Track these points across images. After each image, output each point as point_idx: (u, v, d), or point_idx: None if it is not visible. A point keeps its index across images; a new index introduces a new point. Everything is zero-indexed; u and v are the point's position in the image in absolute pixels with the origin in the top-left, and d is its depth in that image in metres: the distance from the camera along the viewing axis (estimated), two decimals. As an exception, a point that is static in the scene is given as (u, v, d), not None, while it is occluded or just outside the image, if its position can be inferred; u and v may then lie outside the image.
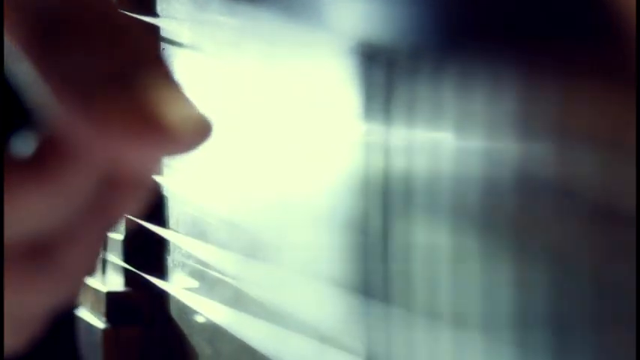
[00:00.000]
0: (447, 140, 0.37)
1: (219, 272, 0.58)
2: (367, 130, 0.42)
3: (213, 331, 0.59)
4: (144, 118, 0.24)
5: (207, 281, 0.60)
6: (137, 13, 0.63)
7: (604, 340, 0.31)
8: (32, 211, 0.26)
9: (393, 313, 0.41)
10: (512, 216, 0.34)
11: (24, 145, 0.26)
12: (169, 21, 0.62)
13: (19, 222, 0.26)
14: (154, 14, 0.63)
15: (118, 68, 0.24)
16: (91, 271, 0.29)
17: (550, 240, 0.32)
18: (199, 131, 0.25)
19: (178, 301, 0.64)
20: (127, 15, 0.26)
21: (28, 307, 0.27)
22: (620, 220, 0.30)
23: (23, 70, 0.24)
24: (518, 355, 0.34)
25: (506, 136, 0.34)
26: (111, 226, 0.29)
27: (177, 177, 0.62)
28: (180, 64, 0.60)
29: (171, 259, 0.66)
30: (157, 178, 0.54)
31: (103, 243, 0.29)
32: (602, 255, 0.31)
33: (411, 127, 0.39)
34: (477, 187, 0.35)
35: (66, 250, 0.27)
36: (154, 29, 0.61)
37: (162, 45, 0.62)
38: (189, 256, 0.63)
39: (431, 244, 0.38)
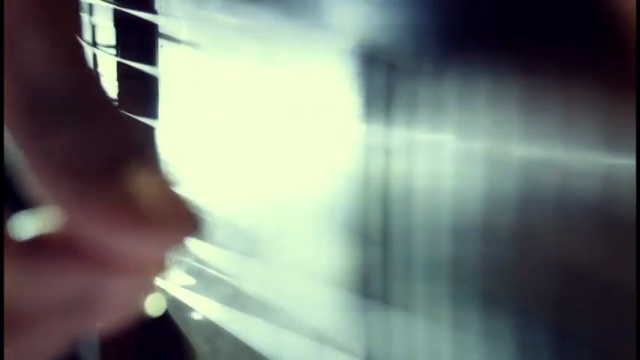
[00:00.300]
0: (448, 142, 0.37)
1: (216, 270, 0.58)
2: (367, 132, 0.42)
3: (211, 329, 0.59)
4: (133, 207, 0.24)
5: (205, 279, 0.60)
6: (136, 10, 0.63)
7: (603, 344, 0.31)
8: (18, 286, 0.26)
9: (392, 314, 0.41)
10: (512, 219, 0.34)
11: (23, 225, 0.26)
12: (168, 19, 0.61)
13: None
14: (153, 12, 0.62)
15: (107, 156, 0.24)
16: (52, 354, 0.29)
17: (551, 244, 0.32)
18: (187, 227, 0.25)
19: (176, 299, 0.64)
20: (116, 106, 0.26)
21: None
22: (621, 225, 0.30)
23: (15, 152, 0.25)
24: (517, 355, 0.34)
25: (507, 139, 0.34)
26: (82, 327, 0.28)
27: (174, 175, 0.62)
28: (179, 61, 0.60)
29: (169, 258, 0.66)
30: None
31: (76, 339, 0.29)
32: (602, 261, 0.31)
33: (411, 129, 0.39)
34: (477, 189, 0.35)
35: (31, 331, 0.27)
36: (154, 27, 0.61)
37: (161, 42, 0.62)
38: (187, 254, 0.62)
39: (430, 245, 0.38)
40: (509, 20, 0.35)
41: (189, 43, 0.59)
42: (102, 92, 0.25)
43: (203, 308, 0.60)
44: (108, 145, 0.24)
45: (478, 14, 0.36)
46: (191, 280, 0.62)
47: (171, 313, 0.65)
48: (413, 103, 0.38)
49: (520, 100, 0.34)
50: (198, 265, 0.60)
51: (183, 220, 0.25)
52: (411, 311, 0.40)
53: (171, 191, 0.25)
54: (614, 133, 0.31)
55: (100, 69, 0.68)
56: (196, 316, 0.62)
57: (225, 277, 0.57)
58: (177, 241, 0.25)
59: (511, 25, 0.35)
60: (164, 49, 0.62)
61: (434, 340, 0.38)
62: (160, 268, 0.26)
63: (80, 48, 0.25)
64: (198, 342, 0.61)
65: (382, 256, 0.41)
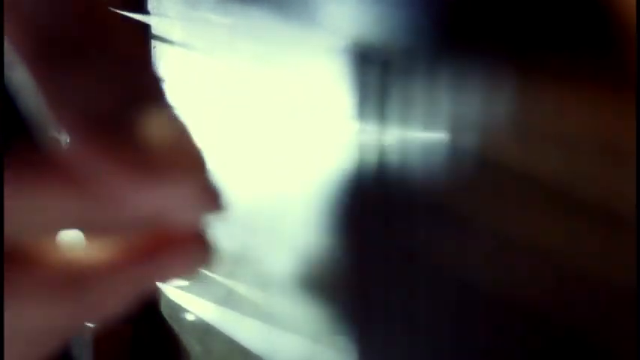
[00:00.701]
0: (441, 140, 0.37)
1: (210, 271, 0.58)
2: (360, 129, 0.42)
3: (204, 329, 0.59)
4: (142, 152, 0.24)
5: (198, 279, 0.60)
6: (129, 11, 0.63)
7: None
8: (40, 209, 0.26)
9: (387, 313, 0.41)
10: (505, 214, 0.34)
11: (30, 146, 0.26)
12: (161, 19, 0.61)
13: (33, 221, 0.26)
14: (146, 12, 0.62)
15: (120, 100, 0.24)
16: (116, 314, 0.28)
17: (542, 239, 0.32)
18: (195, 168, 0.25)
19: (169, 300, 0.64)
20: (136, 42, 0.25)
21: (44, 330, 0.27)
22: (619, 222, 0.30)
23: (24, 81, 0.25)
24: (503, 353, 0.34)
25: (500, 137, 0.34)
26: (153, 278, 0.28)
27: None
28: (172, 61, 0.60)
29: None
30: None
31: (144, 295, 0.28)
32: (598, 255, 0.31)
33: (404, 127, 0.39)
34: (469, 186, 0.35)
35: (94, 286, 0.27)
36: (146, 28, 0.61)
37: (154, 43, 0.62)
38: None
39: (425, 241, 0.38)
40: (503, 20, 0.35)
41: (182, 44, 0.59)
42: (117, 34, 0.25)
43: (196, 308, 0.60)
44: (121, 86, 0.24)
45: (472, 14, 0.36)
46: (184, 281, 0.62)
47: (164, 313, 0.65)
48: (406, 101, 0.38)
49: (514, 99, 0.34)
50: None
51: (195, 161, 0.25)
52: (408, 310, 0.40)
53: (182, 133, 0.25)
54: (608, 130, 0.31)
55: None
56: (189, 316, 0.62)
57: (218, 278, 0.57)
58: (192, 182, 0.25)
59: (505, 26, 0.35)
60: (157, 49, 0.62)
61: (431, 339, 0.38)
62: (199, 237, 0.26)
63: None
64: (191, 342, 0.61)
65: (377, 254, 0.41)
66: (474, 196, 0.36)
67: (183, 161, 0.25)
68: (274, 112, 0.49)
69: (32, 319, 0.27)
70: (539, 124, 0.33)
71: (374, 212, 0.41)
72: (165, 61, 0.61)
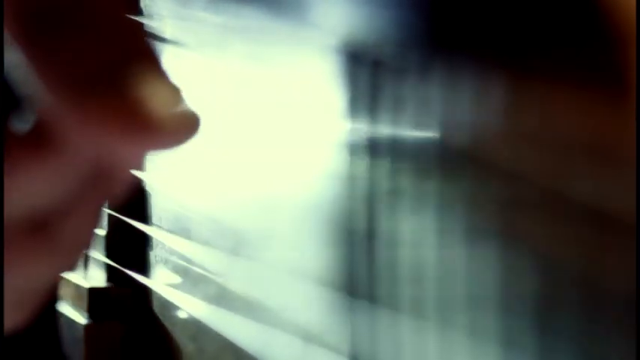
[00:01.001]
0: (432, 139, 0.37)
1: (202, 269, 0.58)
2: (352, 129, 0.42)
3: (196, 327, 0.59)
4: (132, 112, 0.24)
5: (190, 277, 0.60)
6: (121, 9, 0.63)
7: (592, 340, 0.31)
8: (32, 185, 0.26)
9: (378, 312, 0.41)
10: (497, 214, 0.34)
11: (22, 123, 0.26)
12: (153, 18, 0.61)
13: (19, 196, 0.26)
14: (138, 11, 0.62)
15: (109, 62, 0.24)
16: (87, 245, 0.29)
17: (537, 240, 0.33)
18: (186, 127, 0.25)
19: (161, 298, 0.64)
20: (121, 10, 0.25)
21: (28, 279, 0.28)
22: (611, 223, 0.30)
23: (13, 55, 0.25)
24: (503, 354, 0.34)
25: (492, 136, 0.34)
26: (103, 203, 0.29)
27: (161, 173, 0.62)
28: (164, 60, 0.60)
29: (154, 255, 0.66)
30: (139, 172, 0.53)
31: (98, 219, 0.30)
32: (591, 258, 0.31)
33: (395, 126, 0.39)
34: (461, 185, 0.35)
35: (63, 225, 0.28)
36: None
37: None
38: (172, 252, 0.62)
39: (416, 242, 0.38)
40: (495, 19, 0.35)
41: (174, 42, 0.59)
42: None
43: (188, 306, 0.60)
44: (109, 49, 0.24)
45: (463, 13, 0.36)
46: (177, 279, 0.62)
47: (156, 311, 0.65)
48: (398, 101, 0.38)
49: (505, 99, 0.34)
50: (184, 264, 0.60)
51: (184, 120, 0.25)
52: (398, 309, 0.40)
53: (172, 93, 0.25)
54: (599, 131, 0.31)
55: None
56: (182, 314, 0.62)
57: (210, 276, 0.57)
58: (178, 142, 0.25)
59: (497, 25, 0.35)
60: (157, 48, 0.62)
61: (420, 340, 0.39)
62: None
63: None
64: (183, 340, 0.61)
65: (368, 255, 0.41)
66: (464, 196, 0.36)
67: (177, 124, 0.25)
68: (265, 111, 0.49)
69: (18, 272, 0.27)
70: (530, 124, 0.33)
71: (363, 212, 0.41)
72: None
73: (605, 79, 0.31)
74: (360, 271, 0.42)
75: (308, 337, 0.46)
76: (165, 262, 0.64)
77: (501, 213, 0.34)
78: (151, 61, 0.25)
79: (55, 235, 0.28)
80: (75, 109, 0.24)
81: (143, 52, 0.25)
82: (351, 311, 0.43)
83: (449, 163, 0.36)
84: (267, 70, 0.48)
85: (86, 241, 0.29)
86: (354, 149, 0.42)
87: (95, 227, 0.29)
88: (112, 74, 0.24)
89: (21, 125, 0.26)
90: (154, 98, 0.24)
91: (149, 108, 0.24)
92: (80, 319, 0.68)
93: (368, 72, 0.40)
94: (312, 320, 0.45)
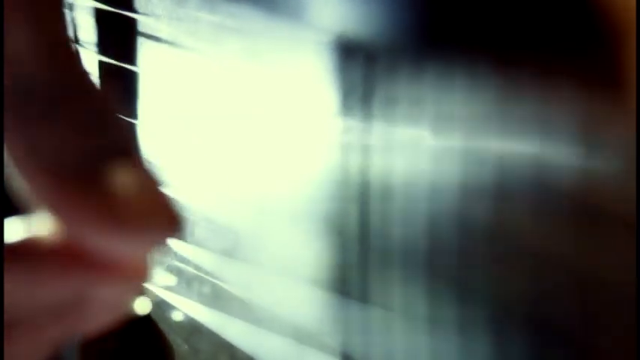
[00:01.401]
0: (426, 138, 0.36)
1: (197, 270, 0.58)
2: (345, 127, 0.42)
3: (191, 328, 0.59)
4: (115, 210, 0.24)
5: (185, 278, 0.59)
6: (116, 9, 0.63)
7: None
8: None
9: (370, 313, 0.40)
10: (489, 215, 0.34)
11: (15, 228, 0.26)
12: (148, 16, 0.61)
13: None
14: (133, 10, 0.62)
15: (94, 155, 0.24)
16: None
17: (527, 238, 0.32)
18: (169, 226, 0.25)
19: (156, 298, 0.64)
20: (107, 99, 0.25)
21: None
22: (601, 219, 0.30)
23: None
24: (494, 354, 0.34)
25: (485, 134, 0.34)
26: (69, 333, 0.28)
27: (157, 173, 0.62)
28: (159, 59, 0.60)
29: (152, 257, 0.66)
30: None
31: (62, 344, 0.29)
32: (582, 254, 0.31)
33: (389, 124, 0.39)
34: (455, 185, 0.35)
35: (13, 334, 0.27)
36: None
37: (141, 41, 0.62)
38: (166, 252, 0.62)
39: (408, 242, 0.38)
40: (489, 16, 0.34)
41: (169, 41, 0.59)
42: (86, 86, 0.24)
43: (183, 307, 0.60)
44: (92, 140, 0.24)
45: (457, 10, 0.36)
46: (172, 280, 0.62)
47: (151, 312, 0.65)
48: (392, 98, 0.38)
49: (499, 96, 0.34)
50: (178, 264, 0.60)
51: (167, 218, 0.24)
52: (390, 310, 0.39)
53: (154, 189, 0.24)
54: (591, 128, 0.31)
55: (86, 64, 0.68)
56: (177, 315, 0.61)
57: (204, 276, 0.56)
58: (160, 240, 0.24)
59: (490, 22, 0.34)
60: (144, 46, 0.62)
61: (412, 338, 0.38)
62: (144, 269, 0.26)
63: (64, 41, 0.25)
64: (177, 341, 0.61)
65: (360, 254, 0.41)
66: (457, 194, 0.35)
67: (153, 215, 0.24)
68: (259, 109, 0.48)
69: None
70: (522, 120, 0.33)
71: (356, 209, 0.41)
72: (152, 59, 0.61)
73: (599, 75, 0.31)
74: (353, 271, 0.42)
75: (301, 337, 0.46)
76: (160, 262, 0.64)
77: (492, 208, 0.34)
78: (130, 150, 0.25)
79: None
80: (57, 202, 0.24)
81: (122, 141, 0.25)
82: (343, 311, 0.42)
83: (442, 159, 0.36)
84: (260, 67, 0.48)
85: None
86: (347, 147, 0.41)
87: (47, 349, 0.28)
88: (94, 167, 0.24)
89: (12, 231, 0.26)
90: (135, 189, 0.24)
91: (132, 200, 0.24)
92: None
93: (361, 69, 0.40)
94: (306, 320, 0.45)
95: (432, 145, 0.36)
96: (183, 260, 0.59)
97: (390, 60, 0.38)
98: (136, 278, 0.27)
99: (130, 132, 0.25)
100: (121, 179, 0.24)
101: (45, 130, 0.24)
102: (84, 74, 0.25)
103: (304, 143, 0.45)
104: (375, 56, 0.39)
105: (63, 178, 0.23)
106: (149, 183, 0.25)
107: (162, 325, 0.64)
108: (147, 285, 0.64)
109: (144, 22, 0.62)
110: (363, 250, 0.41)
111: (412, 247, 0.38)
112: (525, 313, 0.33)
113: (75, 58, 0.25)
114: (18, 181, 0.24)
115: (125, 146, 0.25)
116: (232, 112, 0.51)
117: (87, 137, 0.24)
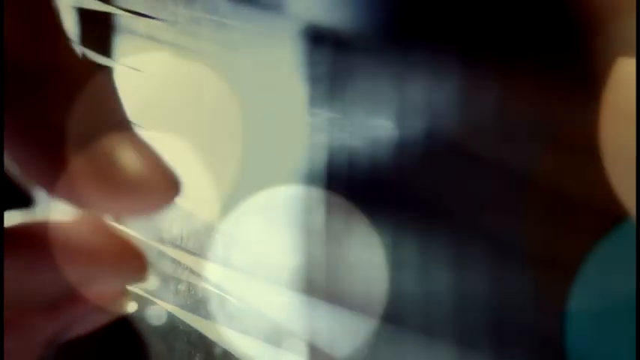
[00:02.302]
0: (390, 128, 0.36)
1: (171, 268, 0.58)
2: (313, 117, 0.41)
3: (167, 327, 0.59)
4: (111, 179, 0.24)
5: (160, 278, 0.59)
6: (95, 3, 0.63)
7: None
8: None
9: (340, 313, 0.40)
10: (453, 203, 0.34)
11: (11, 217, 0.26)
12: (125, 11, 0.61)
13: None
14: (109, 4, 0.62)
15: (85, 126, 0.24)
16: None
17: (491, 225, 0.32)
18: (168, 190, 0.25)
19: (133, 297, 0.64)
20: (96, 73, 0.25)
21: None
22: (569, 207, 0.30)
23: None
24: (458, 351, 0.34)
25: (447, 125, 0.34)
26: (57, 336, 0.28)
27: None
28: (136, 55, 0.60)
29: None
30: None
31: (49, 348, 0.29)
32: (549, 241, 0.30)
33: (355, 114, 0.38)
34: (418, 176, 0.35)
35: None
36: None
37: (116, 36, 0.62)
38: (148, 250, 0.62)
39: (374, 236, 0.38)
40: (453, 7, 0.34)
41: (146, 36, 0.59)
42: (75, 59, 0.25)
43: (159, 305, 0.59)
44: (83, 112, 0.24)
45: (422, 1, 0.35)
46: (150, 279, 0.62)
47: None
48: (359, 87, 0.38)
49: (461, 87, 0.33)
50: (154, 262, 0.60)
51: (165, 183, 0.25)
52: (357, 310, 0.39)
53: (150, 156, 0.25)
54: (552, 123, 0.30)
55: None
56: (152, 313, 0.61)
57: (180, 275, 0.56)
58: (159, 206, 0.25)
59: (454, 13, 0.34)
60: (121, 42, 0.62)
61: (379, 341, 0.38)
62: (142, 260, 0.26)
63: (51, 16, 0.25)
64: (153, 340, 0.61)
65: (327, 255, 0.41)
66: (420, 183, 0.35)
67: (152, 181, 0.24)
68: (231, 105, 0.48)
69: None
70: (484, 113, 0.32)
71: (323, 208, 0.40)
72: (130, 54, 0.61)
73: (569, 68, 0.30)
74: (321, 272, 0.41)
75: (272, 337, 0.45)
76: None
77: (462, 204, 0.34)
78: (127, 126, 0.25)
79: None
80: (50, 176, 0.24)
81: (119, 113, 0.25)
82: (312, 312, 0.42)
83: (408, 151, 0.36)
84: (235, 63, 0.48)
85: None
86: (315, 138, 0.41)
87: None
88: (88, 135, 0.24)
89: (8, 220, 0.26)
90: (131, 162, 0.24)
91: (128, 170, 0.24)
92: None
93: (330, 57, 0.40)
94: (274, 321, 0.45)
95: (396, 135, 0.36)
96: (158, 259, 0.59)
97: (356, 50, 0.38)
98: (134, 269, 0.28)
99: (122, 105, 0.25)
100: (117, 149, 0.24)
101: (34, 104, 0.24)
102: (72, 52, 0.26)
103: (273, 134, 0.44)
104: (342, 46, 0.39)
105: (56, 152, 0.24)
106: (145, 152, 0.25)
107: (138, 324, 0.63)
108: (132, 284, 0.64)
109: (120, 16, 0.62)
110: (330, 250, 0.41)
111: (377, 240, 0.38)
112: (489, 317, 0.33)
113: (64, 38, 0.25)
114: (12, 162, 0.24)
115: (119, 118, 0.25)
116: (204, 107, 0.51)
117: (79, 110, 0.24)
